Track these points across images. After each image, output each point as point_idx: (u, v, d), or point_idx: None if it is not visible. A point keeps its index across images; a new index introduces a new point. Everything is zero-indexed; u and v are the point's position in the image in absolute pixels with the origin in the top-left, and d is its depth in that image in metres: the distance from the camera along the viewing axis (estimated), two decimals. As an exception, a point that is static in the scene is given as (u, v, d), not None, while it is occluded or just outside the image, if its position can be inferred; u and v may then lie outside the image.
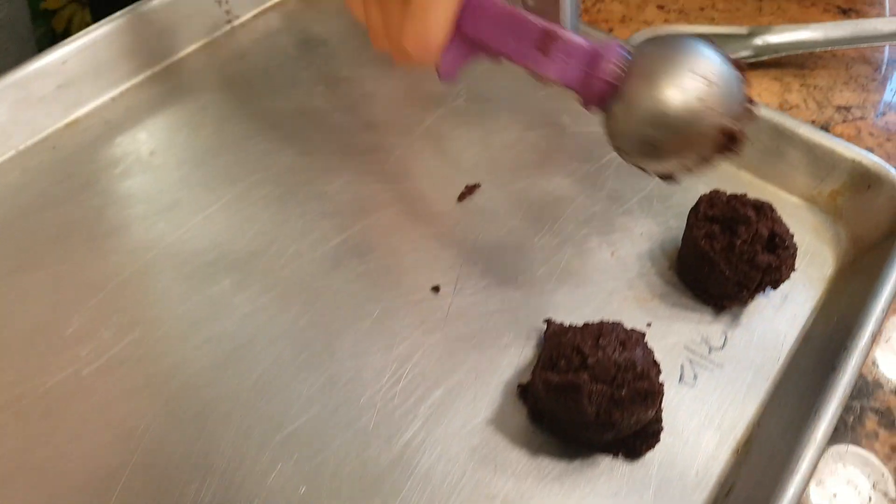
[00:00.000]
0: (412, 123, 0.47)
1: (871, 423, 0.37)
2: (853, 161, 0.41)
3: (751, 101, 0.30)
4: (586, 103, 0.32)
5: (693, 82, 0.28)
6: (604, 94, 0.30)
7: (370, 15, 0.34)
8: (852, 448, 0.36)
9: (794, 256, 0.38)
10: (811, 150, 0.42)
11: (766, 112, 0.43)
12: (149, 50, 0.48)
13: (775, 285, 0.38)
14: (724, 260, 0.37)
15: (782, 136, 0.43)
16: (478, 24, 0.32)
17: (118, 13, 0.46)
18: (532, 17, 0.31)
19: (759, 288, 0.38)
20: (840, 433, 0.36)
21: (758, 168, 0.44)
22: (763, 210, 0.37)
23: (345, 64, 0.51)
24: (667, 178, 0.32)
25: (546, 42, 0.31)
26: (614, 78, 0.30)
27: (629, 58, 0.30)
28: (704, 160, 0.30)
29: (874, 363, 0.39)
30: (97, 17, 0.83)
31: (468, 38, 0.32)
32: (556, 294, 0.40)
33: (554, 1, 0.34)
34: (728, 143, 0.29)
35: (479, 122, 0.47)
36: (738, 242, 0.37)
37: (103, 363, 0.36)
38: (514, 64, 0.32)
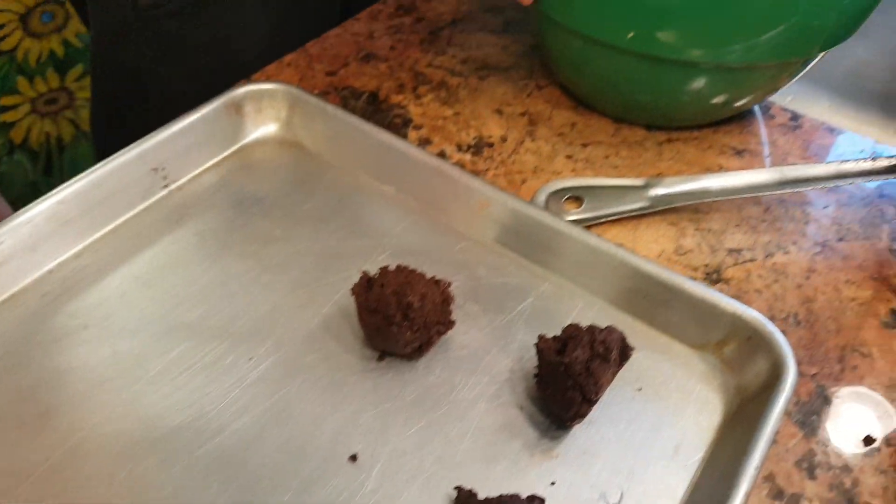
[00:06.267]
0: (339, 280, 0.50)
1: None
2: (733, 315, 0.45)
3: None
4: None
5: None
6: None
7: None
8: None
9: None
10: (696, 304, 0.46)
11: (655, 268, 0.47)
12: (86, 221, 0.51)
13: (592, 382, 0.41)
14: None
15: (671, 291, 0.47)
16: None
17: (48, 194, 0.49)
18: None
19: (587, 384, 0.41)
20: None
21: (652, 319, 0.48)
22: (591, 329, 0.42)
23: (278, 223, 0.54)
24: None
25: None
26: None
27: None
28: None
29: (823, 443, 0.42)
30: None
31: None
32: (469, 455, 0.42)
33: None
34: None
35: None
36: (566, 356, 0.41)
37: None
38: None
